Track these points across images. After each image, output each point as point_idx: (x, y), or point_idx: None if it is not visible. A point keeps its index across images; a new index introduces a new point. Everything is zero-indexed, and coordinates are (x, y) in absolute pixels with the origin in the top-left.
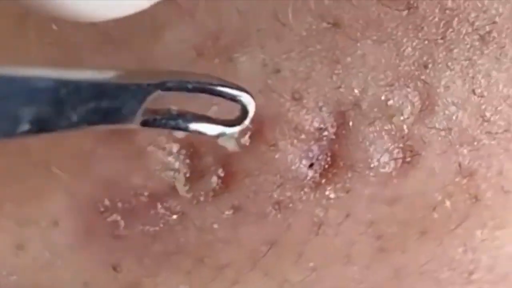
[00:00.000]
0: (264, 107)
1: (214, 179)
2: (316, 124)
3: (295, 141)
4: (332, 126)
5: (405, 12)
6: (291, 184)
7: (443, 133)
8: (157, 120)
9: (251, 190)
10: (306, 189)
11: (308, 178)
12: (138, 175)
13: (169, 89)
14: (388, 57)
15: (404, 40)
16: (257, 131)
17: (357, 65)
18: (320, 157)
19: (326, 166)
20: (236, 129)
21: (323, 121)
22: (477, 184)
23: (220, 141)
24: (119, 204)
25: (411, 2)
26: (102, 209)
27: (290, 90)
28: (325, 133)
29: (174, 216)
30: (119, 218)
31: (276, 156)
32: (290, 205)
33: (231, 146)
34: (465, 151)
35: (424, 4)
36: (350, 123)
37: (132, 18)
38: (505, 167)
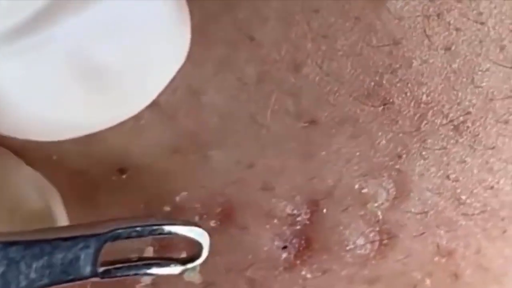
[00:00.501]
0: (234, 196)
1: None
2: (288, 211)
3: (267, 226)
4: (305, 213)
5: (380, 108)
6: (264, 264)
7: (419, 216)
8: (118, 270)
9: (223, 267)
10: (280, 269)
11: (282, 259)
12: None
13: (119, 237)
14: (362, 150)
15: (379, 133)
16: (227, 215)
17: (331, 158)
18: (293, 240)
19: (301, 248)
20: (196, 263)
21: (296, 208)
22: (456, 262)
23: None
24: None
25: (387, 98)
26: None
27: (262, 181)
28: (299, 218)
29: None
30: None
31: (248, 238)
32: (265, 283)
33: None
34: (442, 232)
35: (399, 99)
36: (324, 210)
37: None
38: (483, 246)
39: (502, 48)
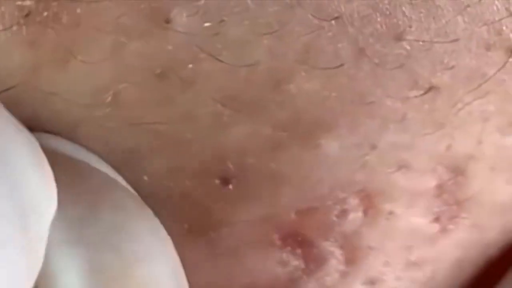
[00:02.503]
0: (369, 182)
1: (334, 262)
2: (433, 183)
3: (414, 205)
4: (451, 181)
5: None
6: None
7: None
8: None
9: (380, 260)
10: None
11: (436, 231)
12: None
13: None
14: (496, 104)
15: None
16: (368, 204)
17: (464, 121)
18: (443, 208)
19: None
20: None
21: (440, 178)
22: None
23: None
24: None
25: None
26: None
27: (393, 161)
28: (445, 188)
29: None
30: None
31: (398, 224)
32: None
33: None
34: None
35: None
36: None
37: None
38: None
39: None
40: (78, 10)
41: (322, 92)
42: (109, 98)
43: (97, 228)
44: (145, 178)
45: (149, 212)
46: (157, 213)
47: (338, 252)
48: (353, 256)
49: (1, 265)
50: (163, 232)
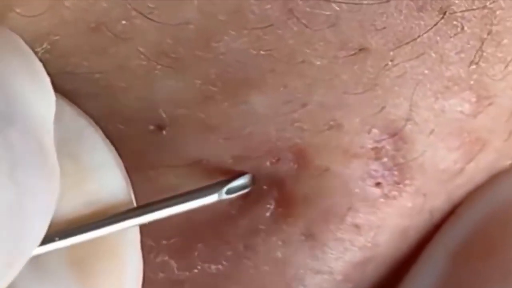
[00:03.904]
0: (300, 138)
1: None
2: (369, 145)
3: (350, 165)
4: (389, 144)
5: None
6: (362, 205)
7: None
8: None
9: (319, 216)
10: (381, 207)
11: (379, 196)
12: None
13: None
14: (430, 67)
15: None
16: (302, 159)
17: (397, 83)
18: (385, 174)
19: (395, 179)
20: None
21: (377, 140)
22: None
23: None
24: None
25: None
26: None
27: (324, 120)
28: (383, 151)
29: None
30: None
31: (334, 182)
32: (369, 224)
33: None
34: None
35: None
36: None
37: None
38: None
39: None
40: None
41: (250, 51)
42: (48, 47)
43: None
44: None
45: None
46: None
47: (273, 195)
48: (289, 202)
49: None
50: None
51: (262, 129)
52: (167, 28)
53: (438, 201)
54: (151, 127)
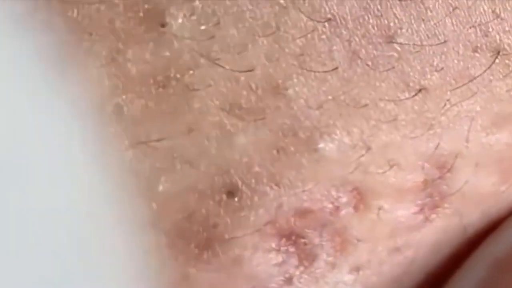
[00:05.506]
0: (361, 181)
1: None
2: (420, 179)
3: (401, 200)
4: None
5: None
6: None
7: None
8: None
9: (367, 251)
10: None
11: (419, 220)
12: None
13: None
14: (483, 105)
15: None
16: (359, 201)
17: (452, 121)
18: (427, 200)
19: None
20: None
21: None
22: None
23: None
24: None
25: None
26: None
27: (385, 160)
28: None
29: None
30: None
31: (385, 216)
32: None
33: None
34: None
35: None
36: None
37: None
38: None
39: None
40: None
41: (319, 96)
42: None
43: None
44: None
45: None
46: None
47: (329, 246)
48: (341, 248)
49: None
50: None
51: (328, 176)
52: (236, 75)
53: (472, 218)
54: (224, 196)
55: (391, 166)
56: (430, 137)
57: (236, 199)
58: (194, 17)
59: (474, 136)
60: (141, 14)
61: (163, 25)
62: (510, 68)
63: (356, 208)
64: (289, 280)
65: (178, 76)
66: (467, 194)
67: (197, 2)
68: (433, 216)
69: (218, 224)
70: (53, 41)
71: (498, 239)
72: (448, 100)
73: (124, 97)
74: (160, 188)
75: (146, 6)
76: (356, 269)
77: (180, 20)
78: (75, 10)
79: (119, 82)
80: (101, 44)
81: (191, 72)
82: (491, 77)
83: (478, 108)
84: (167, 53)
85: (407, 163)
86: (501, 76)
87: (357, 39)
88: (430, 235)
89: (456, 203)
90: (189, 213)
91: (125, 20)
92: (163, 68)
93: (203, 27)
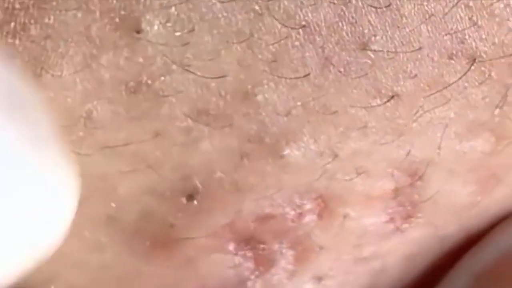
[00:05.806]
0: (327, 188)
1: (283, 262)
2: (390, 187)
3: (369, 207)
4: (408, 184)
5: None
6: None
7: None
8: None
9: (331, 259)
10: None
11: (389, 230)
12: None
13: None
14: (456, 111)
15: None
16: (324, 209)
17: (423, 128)
18: (399, 209)
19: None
20: None
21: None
22: None
23: None
24: None
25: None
26: None
27: (353, 168)
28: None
29: None
30: None
31: (351, 224)
32: (377, 254)
33: None
34: None
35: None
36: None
37: None
38: None
39: None
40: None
41: (288, 102)
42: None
43: None
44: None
45: None
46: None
47: (289, 253)
48: (303, 255)
49: None
50: None
51: (293, 183)
52: (207, 81)
53: (449, 229)
54: (183, 199)
55: (359, 173)
56: (401, 143)
57: (195, 202)
58: (169, 24)
59: (447, 143)
60: (117, 20)
61: (138, 32)
62: (486, 75)
63: (320, 215)
64: (243, 283)
65: (150, 82)
66: (440, 203)
67: (173, 9)
68: (405, 225)
69: (175, 225)
70: (29, 46)
71: (481, 251)
72: (421, 106)
73: (95, 102)
74: (121, 190)
75: (122, 12)
76: (318, 278)
77: (156, 27)
78: (52, 17)
79: (91, 87)
80: (75, 49)
81: (162, 78)
82: (466, 84)
83: (452, 115)
84: (141, 59)
85: (376, 170)
86: (476, 83)
87: (330, 46)
88: (402, 245)
89: (428, 212)
90: (147, 213)
91: (101, 26)
92: (135, 74)
93: (178, 34)
